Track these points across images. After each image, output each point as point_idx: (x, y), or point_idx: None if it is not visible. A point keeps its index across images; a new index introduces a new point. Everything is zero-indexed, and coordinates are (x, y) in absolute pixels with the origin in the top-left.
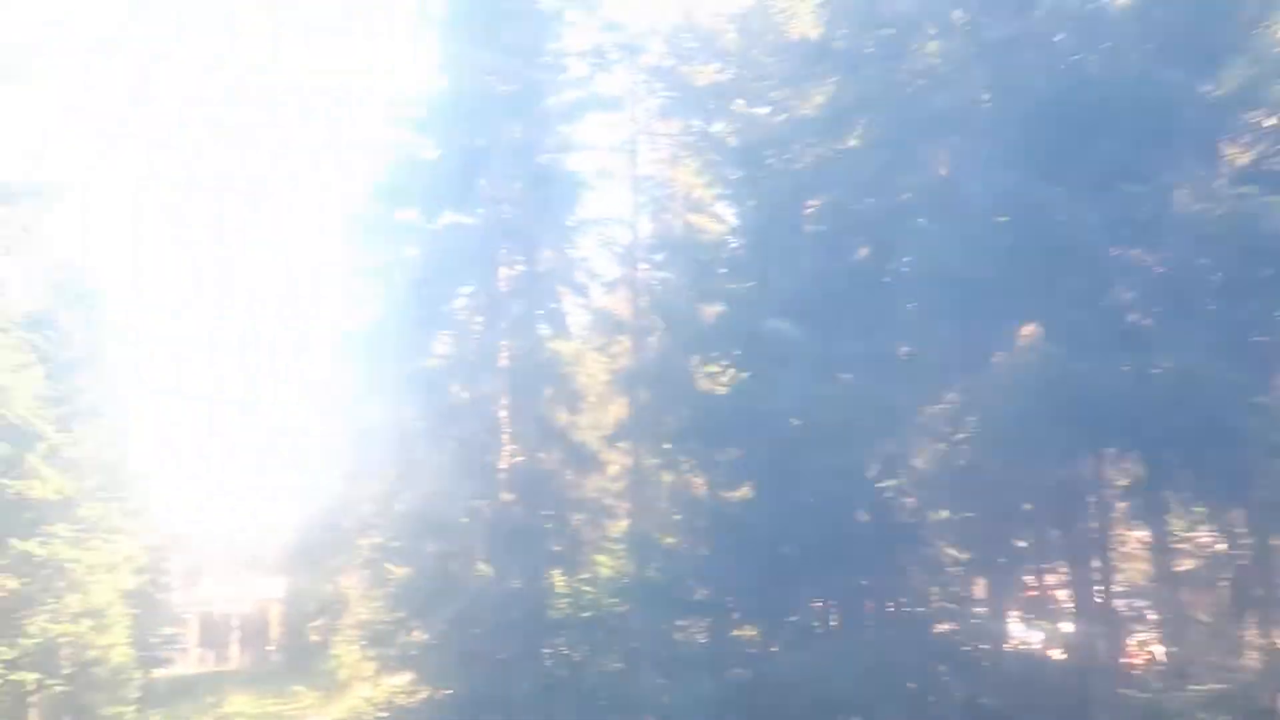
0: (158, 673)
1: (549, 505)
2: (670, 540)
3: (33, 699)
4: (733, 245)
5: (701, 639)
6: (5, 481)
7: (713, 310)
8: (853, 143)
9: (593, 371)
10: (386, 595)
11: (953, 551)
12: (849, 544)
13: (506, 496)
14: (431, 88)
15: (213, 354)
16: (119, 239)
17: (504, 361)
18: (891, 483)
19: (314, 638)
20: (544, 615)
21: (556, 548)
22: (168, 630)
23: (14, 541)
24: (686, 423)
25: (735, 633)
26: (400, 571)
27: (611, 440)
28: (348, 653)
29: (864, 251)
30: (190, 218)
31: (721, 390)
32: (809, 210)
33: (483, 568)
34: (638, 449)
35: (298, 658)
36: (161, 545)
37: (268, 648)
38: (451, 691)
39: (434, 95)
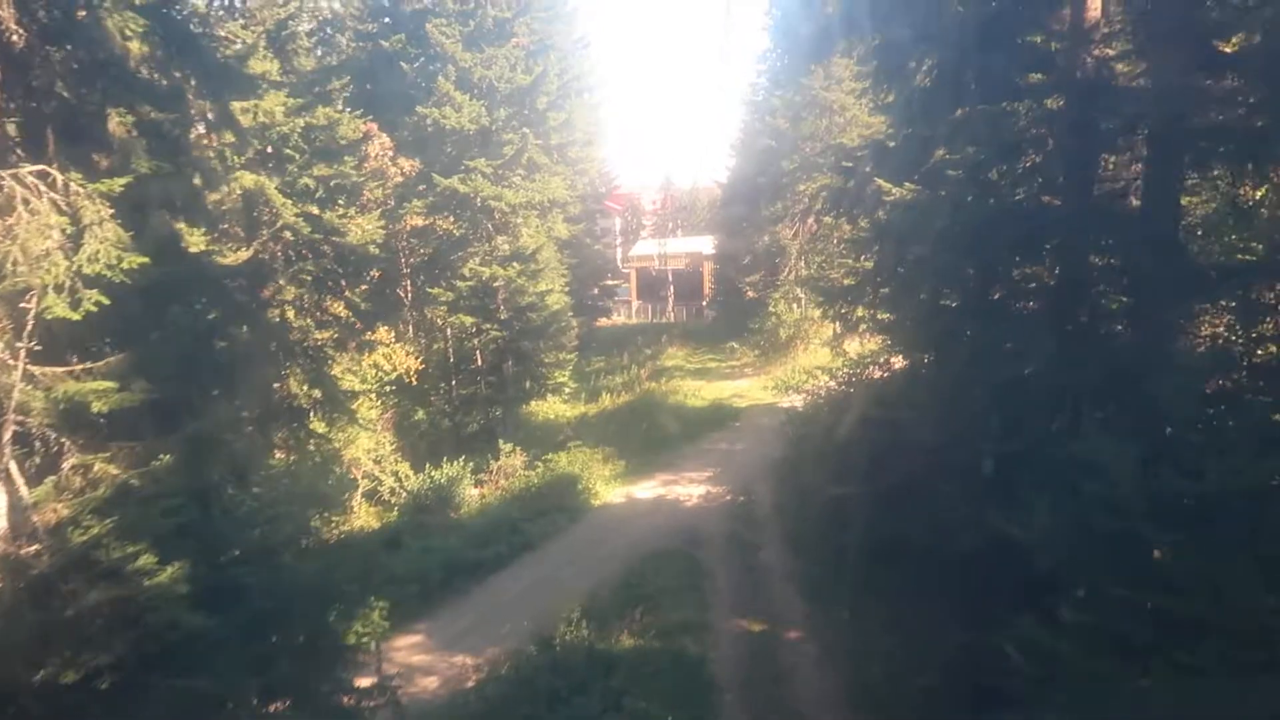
0: (598, 321)
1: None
2: None
3: (474, 342)
4: None
5: None
6: (421, 110)
7: None
8: None
9: None
10: (856, 240)
11: None
12: None
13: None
14: None
15: None
16: None
17: None
18: None
19: (749, 295)
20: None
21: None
22: (606, 282)
23: (436, 176)
24: None
25: None
26: (898, 192)
27: None
28: (786, 311)
29: None
30: None
31: None
32: None
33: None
34: None
35: (732, 315)
36: (592, 195)
37: (702, 304)
38: (950, 369)
39: None
